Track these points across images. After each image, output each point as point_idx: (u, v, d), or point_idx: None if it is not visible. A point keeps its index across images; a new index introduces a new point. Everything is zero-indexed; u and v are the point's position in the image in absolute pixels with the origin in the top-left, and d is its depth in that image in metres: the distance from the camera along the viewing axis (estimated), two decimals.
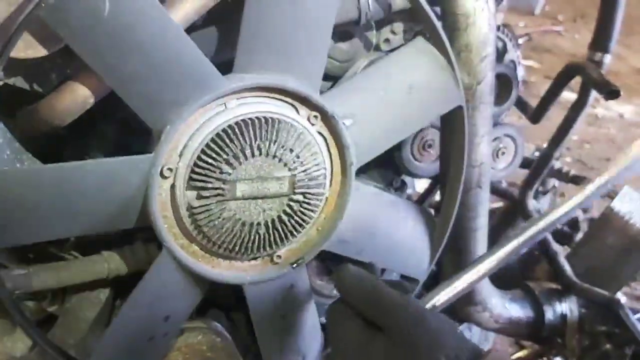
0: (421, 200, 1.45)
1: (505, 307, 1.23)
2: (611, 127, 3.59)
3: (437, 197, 1.47)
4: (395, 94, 0.88)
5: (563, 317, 1.26)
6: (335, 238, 0.89)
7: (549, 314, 1.26)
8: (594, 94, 1.24)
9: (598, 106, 3.79)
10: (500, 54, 1.18)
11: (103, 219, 0.75)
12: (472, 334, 1.50)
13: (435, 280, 1.19)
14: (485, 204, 1.08)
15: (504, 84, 1.16)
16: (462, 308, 1.19)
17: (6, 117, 0.81)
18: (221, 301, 1.05)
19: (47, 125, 0.78)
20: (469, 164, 1.00)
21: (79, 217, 0.74)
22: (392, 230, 0.97)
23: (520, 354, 1.54)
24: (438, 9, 0.95)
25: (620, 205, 1.28)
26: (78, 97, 0.76)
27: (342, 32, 0.96)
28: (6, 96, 0.78)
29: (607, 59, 1.21)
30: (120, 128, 0.90)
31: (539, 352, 1.43)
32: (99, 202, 0.73)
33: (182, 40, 0.73)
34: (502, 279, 1.33)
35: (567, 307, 1.27)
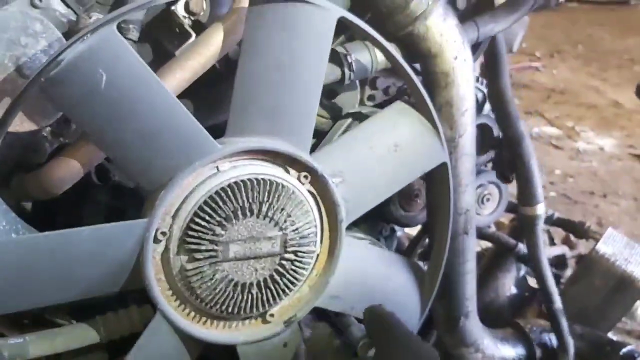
0: (413, 243, 1.46)
1: (497, 347, 1.24)
2: (593, 160, 3.65)
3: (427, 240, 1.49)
4: (381, 152, 0.91)
5: (554, 353, 1.28)
6: (327, 294, 0.90)
7: (540, 352, 1.28)
8: None
9: (579, 140, 3.86)
10: (480, 104, 1.22)
11: (98, 283, 0.76)
12: None
13: (429, 325, 1.21)
14: (472, 249, 1.10)
15: (485, 132, 1.20)
16: (455, 349, 1.20)
17: (1, 186, 0.82)
18: (213, 357, 1.05)
19: (43, 194, 0.80)
20: (455, 212, 1.03)
21: (75, 283, 0.75)
22: (383, 285, 0.98)
23: None
24: (418, 66, 0.99)
25: (604, 247, 1.31)
26: (74, 166, 0.78)
27: (328, 91, 0.99)
28: (1, 167, 0.80)
29: (541, 209, 1.21)
30: (114, 191, 0.92)
31: None
32: (95, 267, 0.75)
33: (176, 108, 0.75)
34: (493, 319, 1.35)
35: (557, 342, 1.29)
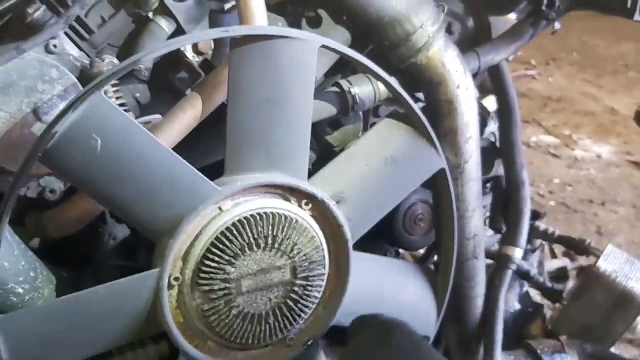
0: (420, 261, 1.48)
1: None
2: (591, 168, 3.67)
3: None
4: (376, 167, 0.91)
5: None
6: (342, 312, 0.91)
7: None
8: None
9: (577, 148, 3.88)
10: (481, 128, 1.24)
11: (121, 334, 0.78)
12: None
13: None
14: (482, 273, 1.12)
15: (487, 154, 1.22)
16: None
17: (16, 225, 0.84)
18: None
19: (59, 232, 0.82)
20: (463, 237, 1.05)
21: (99, 338, 0.77)
22: (396, 294, 0.99)
23: None
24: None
25: (605, 264, 1.32)
26: (90, 206, 0.79)
27: (333, 122, 1.01)
28: (16, 206, 0.82)
29: (518, 253, 1.22)
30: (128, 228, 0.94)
31: None
32: (115, 321, 0.76)
33: (172, 161, 0.76)
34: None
35: None
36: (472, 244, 1.07)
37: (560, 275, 2.02)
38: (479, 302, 1.12)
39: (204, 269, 0.78)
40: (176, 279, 0.78)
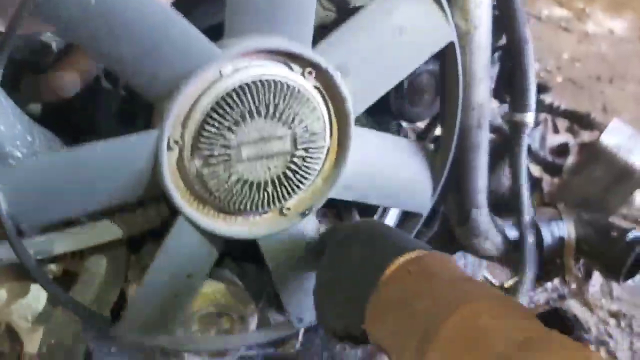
0: (422, 136, 1.47)
1: (506, 235, 1.28)
2: (602, 44, 3.57)
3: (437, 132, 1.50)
4: (385, 38, 0.88)
5: (561, 239, 1.31)
6: (341, 185, 0.92)
7: (547, 238, 1.31)
8: None
9: (588, 21, 3.75)
10: None
11: (119, 192, 0.78)
12: (467, 261, 1.57)
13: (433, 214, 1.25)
14: (485, 143, 1.11)
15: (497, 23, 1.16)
16: (465, 240, 1.24)
17: (11, 89, 0.82)
18: (232, 251, 1.09)
19: (54, 96, 0.80)
20: (468, 106, 1.03)
21: (97, 195, 0.77)
22: (394, 171, 1.00)
23: (511, 282, 1.61)
24: None
25: (609, 138, 1.31)
26: (82, 69, 0.77)
27: None
28: (9, 69, 0.79)
29: (530, 118, 1.17)
30: (125, 94, 0.92)
31: None
32: (113, 178, 0.77)
33: (170, 17, 0.73)
34: (495, 208, 1.39)
35: (565, 230, 1.33)
36: (477, 114, 1.05)
37: (561, 150, 2.02)
38: (480, 172, 1.12)
39: (204, 133, 0.77)
40: (176, 142, 0.77)
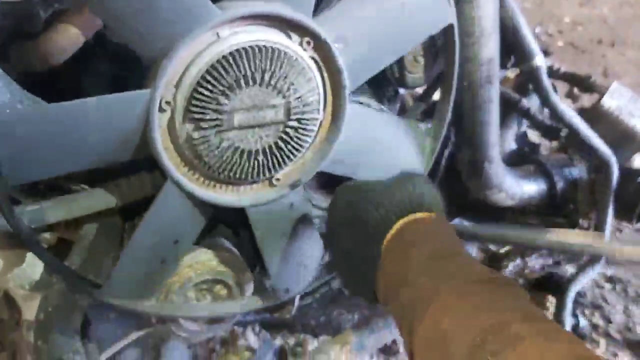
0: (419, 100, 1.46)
1: (520, 184, 1.29)
2: (604, 7, 3.51)
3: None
4: (387, 12, 0.87)
5: (574, 183, 1.34)
6: (331, 159, 0.92)
7: (560, 184, 1.33)
8: None
9: None
10: None
11: (108, 151, 0.78)
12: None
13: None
14: (495, 99, 1.12)
15: None
16: (479, 193, 1.25)
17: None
18: (226, 219, 1.09)
19: (43, 64, 0.79)
20: (477, 63, 1.04)
21: (86, 152, 0.76)
22: (384, 148, 1.00)
23: (507, 248, 1.61)
24: None
25: (610, 101, 1.30)
26: (72, 33, 0.76)
27: None
28: None
29: (539, 60, 1.20)
30: (115, 62, 0.90)
31: None
32: (103, 136, 0.76)
33: None
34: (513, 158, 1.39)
35: (578, 174, 1.34)
36: (486, 70, 1.05)
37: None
38: (492, 127, 1.12)
39: (197, 96, 0.76)
40: (168, 103, 0.76)
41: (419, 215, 0.80)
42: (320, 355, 1.20)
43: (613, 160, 1.28)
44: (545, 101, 1.24)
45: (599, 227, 1.32)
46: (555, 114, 1.24)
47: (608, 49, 3.09)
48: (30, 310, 0.99)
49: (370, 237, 0.80)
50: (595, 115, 1.32)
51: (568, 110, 1.24)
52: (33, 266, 0.97)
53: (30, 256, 0.97)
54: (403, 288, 0.71)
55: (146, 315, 1.00)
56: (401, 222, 0.79)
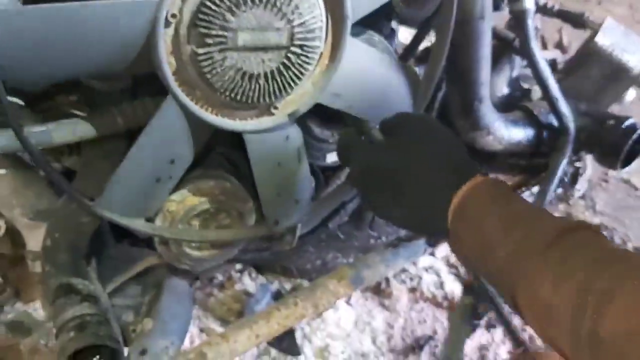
0: (408, 49, 1.47)
1: (508, 128, 1.30)
2: None
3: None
4: None
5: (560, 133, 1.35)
6: (329, 91, 0.93)
7: (547, 132, 1.36)
8: None
9: None
10: None
11: (111, 59, 0.78)
12: None
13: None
14: (488, 34, 1.11)
15: None
16: (467, 133, 1.26)
17: None
18: (223, 149, 1.11)
19: None
20: None
21: (88, 56, 0.76)
22: (381, 86, 1.01)
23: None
24: None
25: (603, 38, 1.31)
26: None
27: None
28: None
29: (529, 3, 1.19)
30: None
31: (520, 182, 1.53)
32: (106, 42, 0.76)
33: None
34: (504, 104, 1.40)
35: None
36: (480, 3, 1.05)
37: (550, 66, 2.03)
38: (483, 63, 1.12)
39: (204, 10, 0.76)
40: (173, 15, 0.77)
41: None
42: (318, 288, 1.23)
43: (572, 129, 1.29)
44: (523, 46, 1.23)
45: (543, 190, 1.34)
46: (530, 61, 1.24)
47: (595, 7, 3.11)
48: (35, 240, 1.00)
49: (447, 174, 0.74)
50: (588, 53, 1.33)
51: (543, 62, 1.24)
52: (39, 195, 0.98)
53: (37, 186, 0.98)
54: (497, 249, 0.67)
55: (150, 235, 1.01)
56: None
